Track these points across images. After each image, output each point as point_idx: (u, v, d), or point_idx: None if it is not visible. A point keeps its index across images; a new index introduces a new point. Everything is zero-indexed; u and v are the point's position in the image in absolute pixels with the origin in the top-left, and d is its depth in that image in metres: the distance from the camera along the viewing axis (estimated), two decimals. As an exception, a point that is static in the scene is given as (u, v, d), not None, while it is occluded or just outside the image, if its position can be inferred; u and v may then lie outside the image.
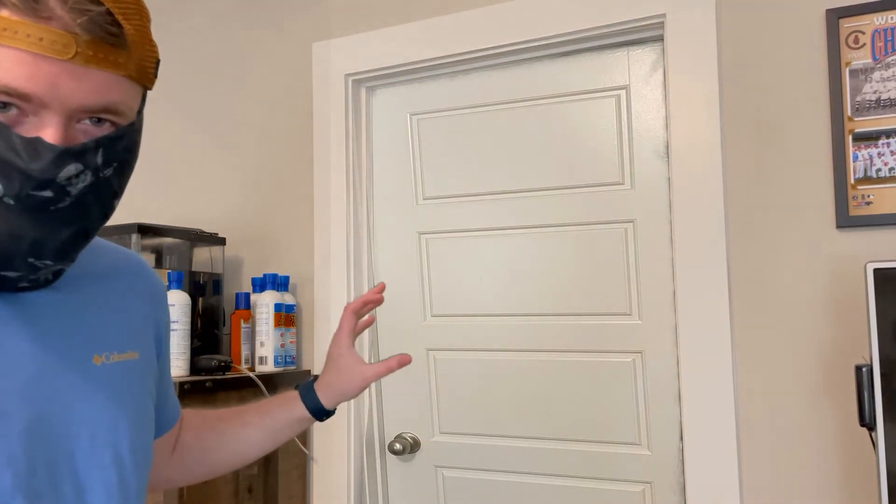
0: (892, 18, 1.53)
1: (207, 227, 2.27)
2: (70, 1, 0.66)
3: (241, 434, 1.07)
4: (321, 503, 2.04)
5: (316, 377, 1.11)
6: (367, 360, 2.07)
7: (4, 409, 0.70)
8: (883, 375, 1.24)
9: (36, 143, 0.66)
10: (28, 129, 0.67)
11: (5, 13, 0.65)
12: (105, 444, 0.78)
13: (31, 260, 0.71)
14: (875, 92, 1.53)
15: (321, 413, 1.08)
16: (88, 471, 0.76)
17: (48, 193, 0.67)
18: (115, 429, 0.80)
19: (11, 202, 0.66)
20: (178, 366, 1.84)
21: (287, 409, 1.08)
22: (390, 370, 1.07)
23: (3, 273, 0.71)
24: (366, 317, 1.14)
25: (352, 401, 2.02)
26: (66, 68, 0.66)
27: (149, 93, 2.41)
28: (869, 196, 1.53)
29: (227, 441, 1.07)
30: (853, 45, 1.55)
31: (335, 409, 1.09)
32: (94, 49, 0.67)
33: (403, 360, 1.07)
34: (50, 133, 0.67)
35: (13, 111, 0.67)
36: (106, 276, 0.88)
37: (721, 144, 1.66)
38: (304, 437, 2.07)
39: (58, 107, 0.67)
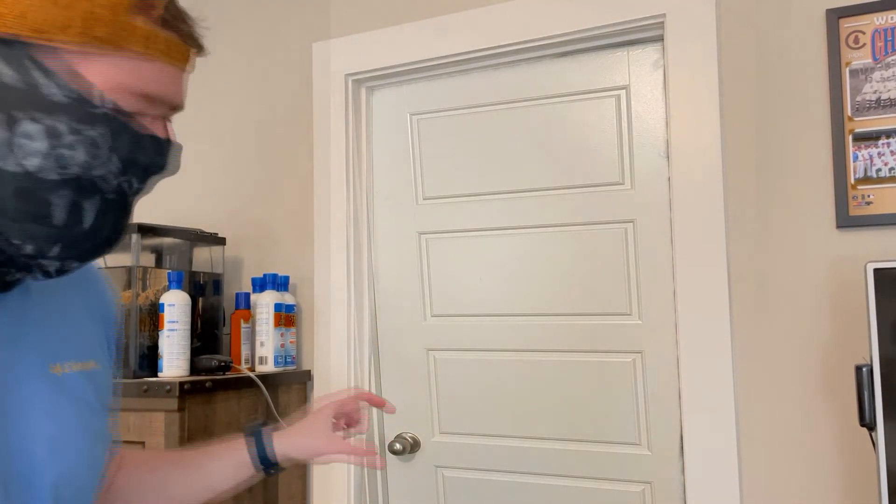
0: (892, 18, 1.53)
1: (207, 227, 2.27)
2: (182, 13, 0.72)
3: (181, 478, 0.99)
4: (321, 503, 2.04)
5: (265, 423, 1.05)
6: (366, 360, 2.08)
7: None
8: (883, 375, 1.24)
9: (159, 141, 0.70)
10: (144, 127, 0.70)
11: (141, 22, 0.67)
12: (63, 458, 0.73)
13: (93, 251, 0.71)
14: (875, 92, 1.53)
15: (267, 463, 1.02)
16: (43, 488, 0.71)
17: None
18: (74, 442, 0.75)
19: (114, 196, 0.69)
20: (179, 366, 1.84)
21: (234, 452, 1.01)
22: (356, 456, 1.04)
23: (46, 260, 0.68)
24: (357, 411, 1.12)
25: (352, 401, 2.02)
26: (180, 75, 0.71)
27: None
28: (869, 196, 1.53)
29: (166, 485, 0.98)
30: (853, 45, 1.55)
31: (281, 466, 1.03)
32: (193, 59, 0.74)
33: (371, 461, 1.06)
34: (161, 129, 0.72)
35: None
36: (60, 280, 0.82)
37: (721, 144, 1.66)
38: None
39: (168, 107, 0.72)
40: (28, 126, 0.63)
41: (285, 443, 1.03)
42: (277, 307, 2.02)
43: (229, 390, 1.84)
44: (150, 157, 0.69)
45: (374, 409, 2.06)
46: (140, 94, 0.68)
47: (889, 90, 1.52)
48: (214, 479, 1.00)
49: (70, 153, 0.64)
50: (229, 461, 1.01)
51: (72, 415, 0.75)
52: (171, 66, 0.69)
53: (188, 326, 1.87)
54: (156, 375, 1.86)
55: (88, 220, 0.67)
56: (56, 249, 0.67)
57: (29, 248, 0.66)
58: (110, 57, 0.66)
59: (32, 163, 0.63)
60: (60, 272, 0.70)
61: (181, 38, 0.70)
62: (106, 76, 0.65)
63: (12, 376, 0.71)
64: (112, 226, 0.70)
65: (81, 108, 0.64)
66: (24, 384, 0.72)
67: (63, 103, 0.64)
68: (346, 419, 1.11)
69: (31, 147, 0.63)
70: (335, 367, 2.05)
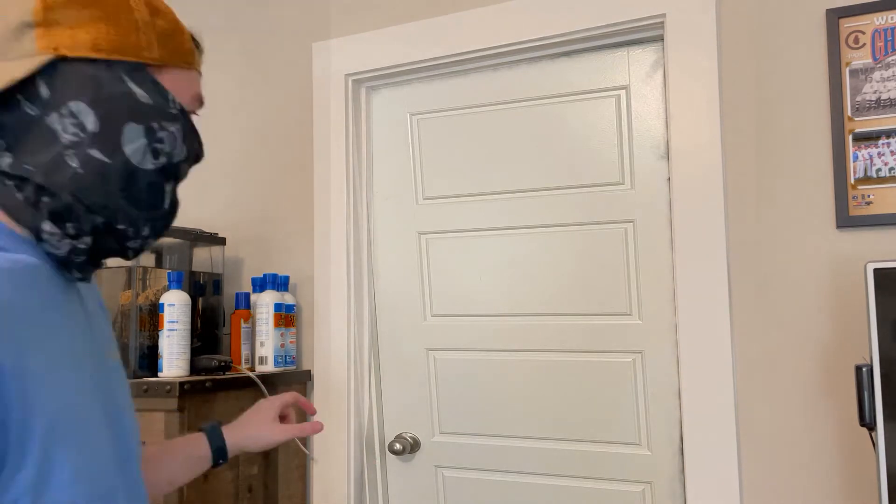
0: (892, 18, 1.53)
1: (207, 227, 2.27)
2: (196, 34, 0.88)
3: (146, 476, 1.06)
4: (321, 503, 2.04)
5: (219, 422, 1.19)
6: (366, 360, 2.08)
7: (90, 407, 0.74)
8: (883, 375, 1.24)
9: (199, 135, 0.87)
10: (193, 123, 0.86)
11: (187, 41, 0.84)
12: (134, 435, 0.84)
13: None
14: (875, 92, 1.53)
15: (220, 453, 1.15)
16: (134, 460, 0.82)
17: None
18: (134, 422, 0.85)
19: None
20: (179, 366, 1.84)
21: (192, 446, 1.14)
22: (303, 433, 1.24)
23: (140, 239, 0.81)
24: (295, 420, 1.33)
25: (352, 400, 2.02)
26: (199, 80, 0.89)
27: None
28: (869, 196, 1.53)
29: None
30: (853, 45, 1.55)
31: (228, 458, 1.17)
32: None
33: (316, 428, 1.25)
34: None
35: None
36: None
37: (721, 144, 1.66)
38: (304, 437, 2.06)
39: (200, 106, 0.89)
40: (132, 127, 0.78)
41: (239, 437, 1.19)
42: (277, 307, 2.02)
43: (229, 390, 1.84)
44: (198, 146, 0.86)
45: (375, 411, 2.07)
46: (190, 97, 0.85)
47: (889, 90, 1.52)
48: (176, 473, 1.12)
49: (160, 146, 0.80)
50: (191, 456, 1.14)
51: (128, 402, 0.86)
52: (198, 74, 0.88)
53: (188, 326, 1.87)
54: (156, 375, 1.86)
55: (168, 201, 0.83)
56: (147, 229, 0.81)
57: (130, 231, 0.80)
58: (173, 69, 0.83)
59: (136, 157, 0.78)
60: (138, 252, 0.84)
61: (199, 53, 0.88)
62: (172, 84, 0.83)
63: (100, 363, 0.80)
64: (175, 207, 0.85)
65: (164, 109, 0.81)
66: (107, 371, 0.82)
67: (153, 106, 0.80)
68: (281, 415, 1.30)
69: (136, 144, 0.78)
70: (335, 367, 2.05)
